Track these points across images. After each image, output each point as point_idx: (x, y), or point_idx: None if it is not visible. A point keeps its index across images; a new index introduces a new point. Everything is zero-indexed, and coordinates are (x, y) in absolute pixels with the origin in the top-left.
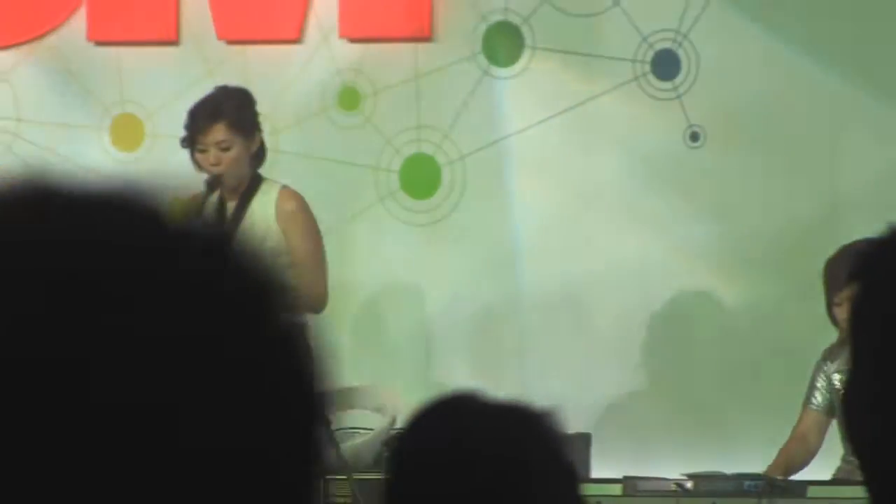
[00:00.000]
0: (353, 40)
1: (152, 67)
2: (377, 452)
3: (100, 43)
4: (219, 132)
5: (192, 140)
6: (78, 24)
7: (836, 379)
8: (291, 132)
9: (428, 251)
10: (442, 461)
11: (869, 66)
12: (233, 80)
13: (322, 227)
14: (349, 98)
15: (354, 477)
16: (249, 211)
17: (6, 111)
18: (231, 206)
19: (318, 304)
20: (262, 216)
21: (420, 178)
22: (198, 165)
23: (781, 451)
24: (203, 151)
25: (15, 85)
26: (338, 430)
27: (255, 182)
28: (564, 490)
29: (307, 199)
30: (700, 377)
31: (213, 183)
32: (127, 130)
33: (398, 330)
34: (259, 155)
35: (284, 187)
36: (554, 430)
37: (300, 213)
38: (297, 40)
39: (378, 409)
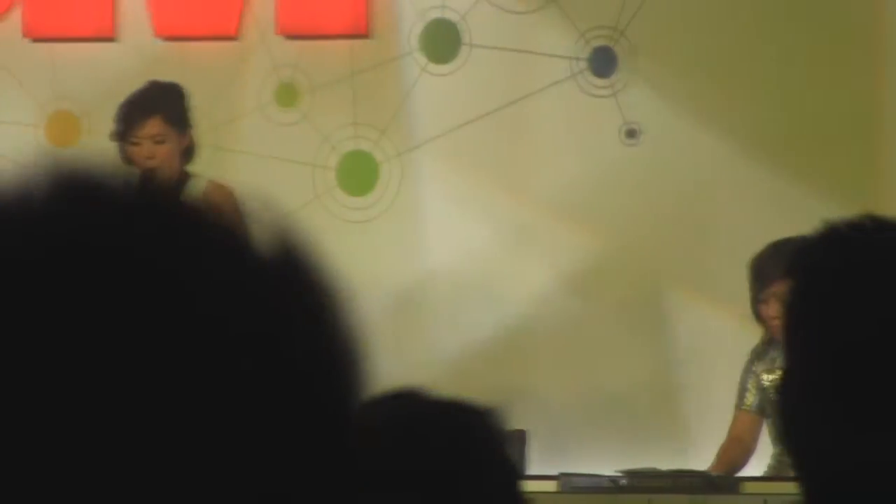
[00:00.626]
0: (291, 37)
1: (88, 64)
2: None
3: (36, 39)
4: (154, 126)
5: (124, 134)
6: (14, 19)
7: (765, 379)
8: (229, 129)
9: (365, 249)
10: (379, 449)
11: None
12: (170, 77)
13: None
14: (286, 95)
15: None
16: None
17: None
18: None
19: None
20: None
21: (357, 175)
22: (128, 160)
23: (720, 454)
24: (136, 144)
25: None
26: None
27: (183, 178)
28: (504, 488)
29: (245, 196)
30: (635, 372)
31: (146, 177)
32: (62, 127)
33: None
34: (189, 151)
35: (213, 181)
36: (494, 427)
37: (229, 205)
38: (234, 37)
39: None
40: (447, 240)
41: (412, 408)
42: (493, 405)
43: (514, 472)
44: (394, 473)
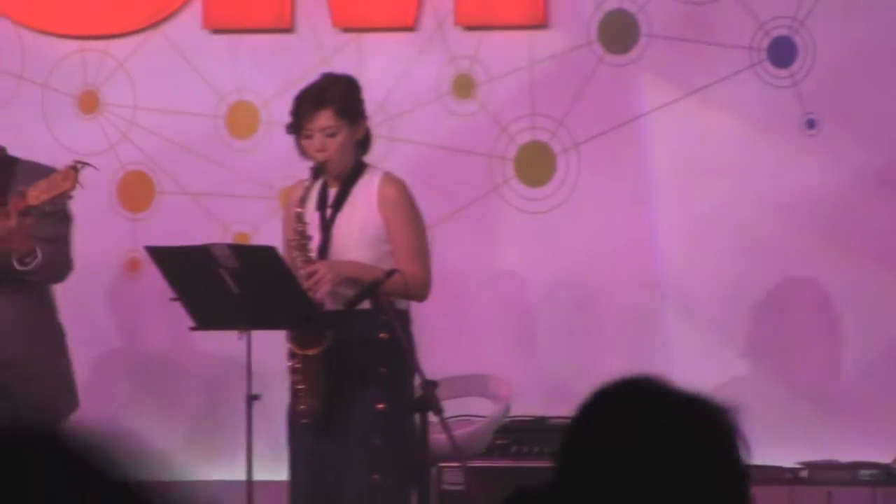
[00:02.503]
0: (469, 28)
1: (267, 55)
2: (489, 440)
3: (216, 31)
4: (325, 118)
5: (298, 126)
6: (194, 11)
7: None
8: (405, 120)
9: (542, 239)
10: (618, 444)
11: None
12: (347, 68)
13: (436, 215)
14: (464, 86)
15: (467, 464)
16: (351, 198)
17: (123, 99)
18: (333, 192)
19: (421, 292)
20: (365, 203)
21: (535, 165)
22: (303, 152)
23: None
24: (308, 137)
25: (131, 73)
26: (450, 417)
27: (357, 169)
28: (736, 487)
29: (422, 187)
30: (817, 362)
31: (320, 170)
32: (242, 118)
33: (513, 318)
34: (364, 143)
35: (386, 174)
36: (731, 426)
37: (402, 199)
38: (412, 28)
39: (490, 397)
40: (624, 231)
41: (642, 404)
42: (730, 405)
43: (745, 476)
44: (624, 462)
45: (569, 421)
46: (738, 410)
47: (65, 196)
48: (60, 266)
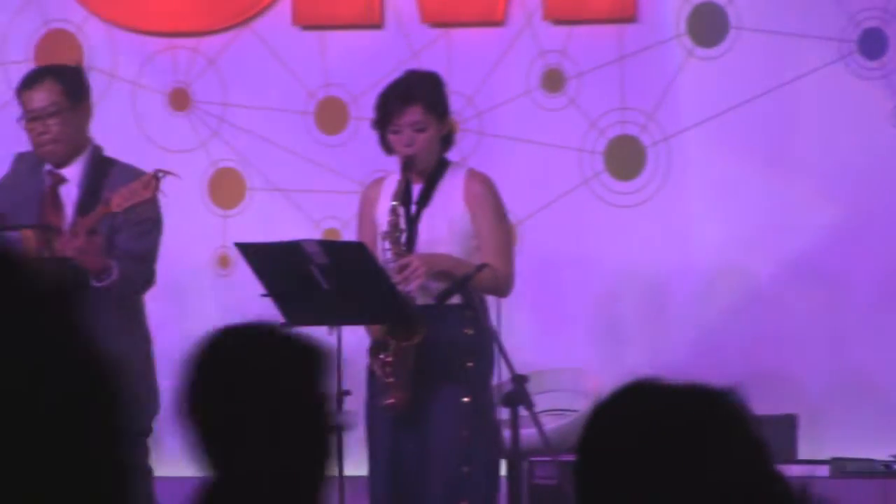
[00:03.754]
0: (558, 22)
1: (356, 51)
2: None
3: (305, 27)
4: (414, 113)
5: (384, 121)
6: (283, 8)
7: None
8: (495, 115)
9: (632, 233)
10: (627, 442)
11: None
12: (436, 63)
13: (526, 209)
14: (553, 80)
15: (558, 459)
16: (437, 193)
17: (213, 95)
18: (417, 188)
19: (506, 287)
20: (450, 199)
21: (624, 159)
22: (388, 147)
23: None
24: (396, 132)
25: (221, 69)
26: (541, 412)
27: (442, 165)
28: (751, 466)
29: (511, 181)
30: None
31: (408, 165)
32: (332, 114)
33: (602, 313)
34: (448, 138)
35: (471, 169)
36: (736, 406)
37: (488, 195)
38: (500, 22)
39: (581, 391)
40: (714, 224)
41: (653, 395)
42: (732, 386)
43: (761, 450)
44: (639, 457)
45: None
46: (739, 392)
47: (146, 204)
48: (138, 282)
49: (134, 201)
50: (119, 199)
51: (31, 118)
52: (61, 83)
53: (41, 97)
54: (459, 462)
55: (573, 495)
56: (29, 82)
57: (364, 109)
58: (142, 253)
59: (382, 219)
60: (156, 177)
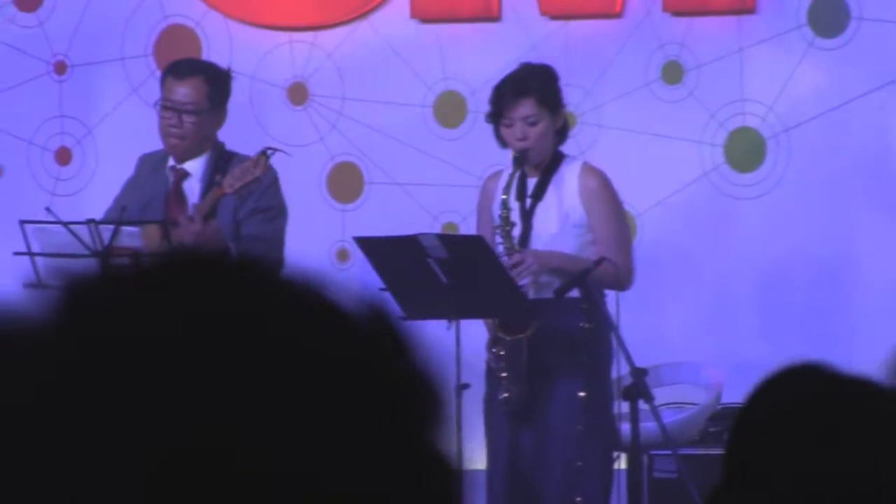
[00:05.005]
0: (677, 14)
1: (475, 44)
2: (701, 428)
3: (423, 21)
4: (527, 107)
5: (498, 115)
6: (401, 1)
7: None
8: (613, 107)
9: (753, 225)
10: (794, 430)
11: None
12: (554, 56)
13: (644, 202)
14: (672, 72)
15: (679, 452)
16: (551, 187)
17: (331, 89)
18: (532, 182)
19: (625, 280)
20: (565, 193)
21: (745, 151)
22: (502, 141)
23: None
24: (509, 126)
25: (339, 63)
26: (661, 405)
27: (556, 159)
28: None
29: (630, 174)
30: None
31: (521, 158)
32: (450, 108)
33: (723, 306)
34: (562, 132)
35: (586, 163)
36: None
37: (604, 189)
38: (618, 15)
39: (701, 385)
40: (831, 216)
41: (816, 383)
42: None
43: None
44: (803, 451)
45: (737, 413)
46: None
47: (256, 182)
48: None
49: (245, 180)
50: (231, 180)
51: (167, 106)
52: (209, 84)
53: (185, 92)
54: (574, 457)
55: (695, 488)
56: (179, 72)
57: (482, 103)
58: (268, 236)
59: (497, 212)
60: (265, 154)
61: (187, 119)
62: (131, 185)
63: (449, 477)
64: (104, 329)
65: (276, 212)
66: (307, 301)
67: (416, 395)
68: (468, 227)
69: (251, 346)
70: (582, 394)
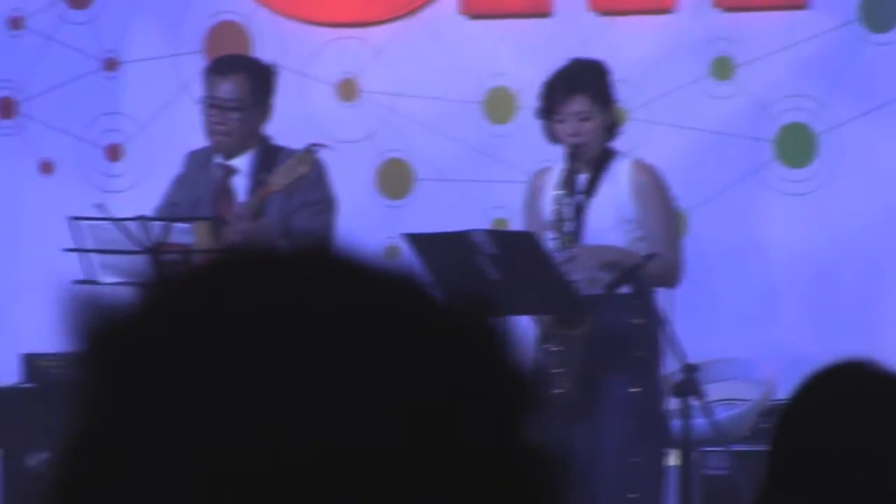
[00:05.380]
0: (727, 9)
1: (524, 40)
2: (753, 424)
3: (473, 16)
4: (580, 103)
5: (549, 110)
6: None
7: None
8: (663, 103)
9: (805, 221)
10: (843, 423)
11: None
12: (605, 52)
13: (695, 198)
14: (722, 68)
15: (730, 449)
16: (602, 183)
17: (382, 85)
18: (583, 178)
19: (675, 277)
20: (616, 189)
21: (795, 147)
22: (552, 136)
23: None
24: (561, 122)
25: (390, 59)
26: (712, 401)
27: (606, 155)
28: None
29: (681, 170)
30: None
31: (573, 154)
32: (500, 103)
33: (775, 302)
34: (613, 128)
35: (637, 160)
36: None
37: (655, 186)
38: (669, 10)
39: (753, 381)
40: (883, 212)
41: (862, 381)
42: None
43: None
44: (849, 449)
45: (781, 410)
46: None
47: (303, 180)
48: None
49: (292, 177)
50: (277, 178)
51: (211, 104)
52: (252, 80)
53: (229, 89)
54: (627, 453)
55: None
56: (222, 69)
57: (532, 98)
58: (317, 230)
59: (547, 208)
60: (310, 151)
61: (231, 115)
62: (180, 183)
63: (550, 469)
64: (210, 318)
65: (324, 205)
66: (406, 294)
67: (513, 388)
68: (518, 223)
69: (356, 340)
70: (634, 390)
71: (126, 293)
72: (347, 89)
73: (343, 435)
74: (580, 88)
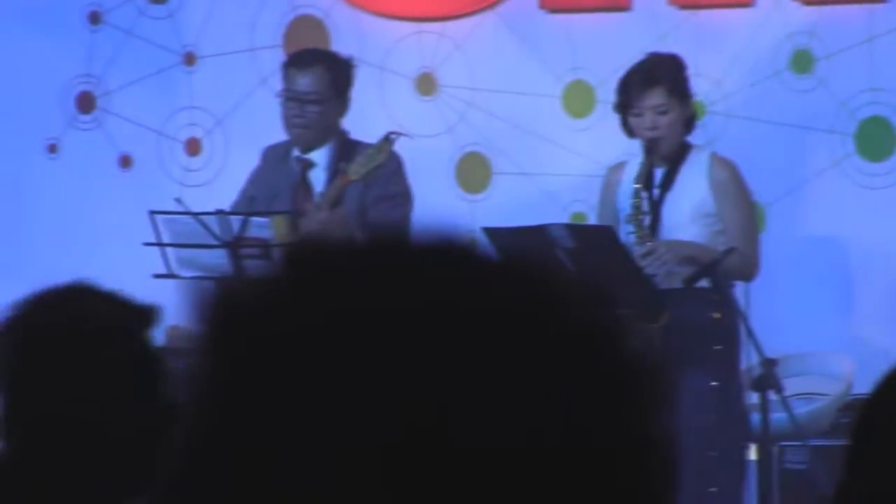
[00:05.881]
0: (807, 3)
1: (604, 34)
2: (832, 418)
3: (552, 10)
4: (657, 96)
5: (626, 104)
6: None
7: None
8: (742, 97)
9: (884, 215)
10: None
11: None
12: (683, 46)
13: (774, 192)
14: (802, 61)
15: (809, 443)
16: (680, 177)
17: (460, 79)
18: (660, 172)
19: (752, 271)
20: (694, 183)
21: (876, 141)
22: (629, 130)
23: None
24: (638, 116)
25: (468, 53)
26: (792, 396)
27: (684, 149)
28: None
29: (760, 164)
30: None
31: (651, 148)
32: (578, 98)
33: (854, 296)
34: (689, 122)
35: (715, 154)
36: None
37: (733, 180)
38: (748, 4)
39: (832, 375)
40: None
41: None
42: None
43: None
44: None
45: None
46: None
47: (381, 169)
48: None
49: (369, 166)
50: (355, 167)
51: (290, 97)
52: (330, 73)
53: (307, 82)
54: (707, 447)
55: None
56: (300, 63)
57: (611, 93)
58: (395, 222)
59: (624, 202)
60: (388, 139)
61: (310, 109)
62: (258, 177)
63: (671, 459)
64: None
65: (402, 198)
66: (535, 285)
67: (638, 378)
68: (596, 217)
69: (488, 329)
70: (714, 384)
71: (254, 283)
72: (426, 83)
73: (498, 433)
74: (657, 82)
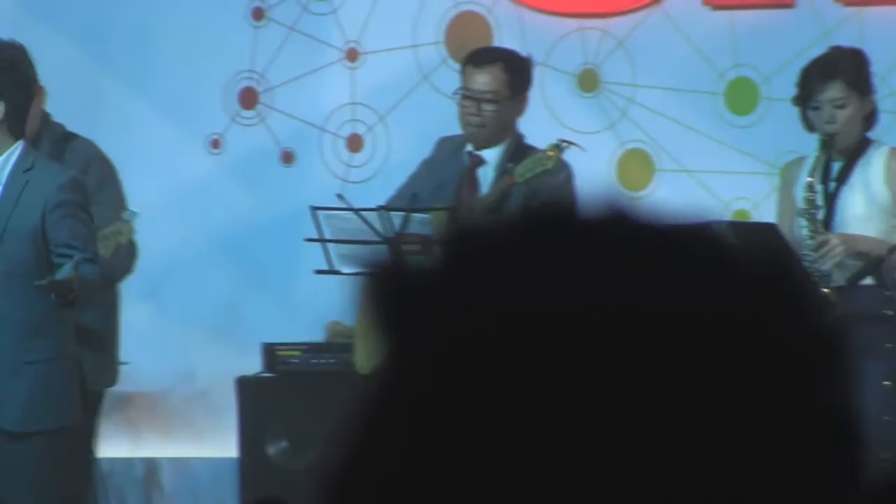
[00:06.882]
0: None
1: (767, 31)
2: None
3: (715, 7)
4: (835, 90)
5: (805, 97)
6: None
7: None
8: None
9: None
10: None
11: None
12: (849, 43)
13: None
14: None
15: None
16: (857, 172)
17: (622, 76)
18: (837, 166)
19: None
20: (870, 176)
21: None
22: (808, 125)
23: None
24: (816, 109)
25: (631, 50)
26: None
27: (863, 144)
28: None
29: None
30: None
31: (827, 142)
32: (741, 95)
33: None
34: (870, 117)
35: (894, 149)
36: None
37: None
38: None
39: None
40: None
41: None
42: None
43: None
44: None
45: None
46: None
47: (548, 175)
48: None
49: (536, 171)
50: (521, 170)
51: (466, 95)
52: (508, 73)
53: (484, 81)
54: (880, 448)
55: None
56: (478, 61)
57: (775, 89)
58: None
59: (799, 196)
60: (558, 146)
61: (486, 108)
62: (427, 166)
63: (857, 437)
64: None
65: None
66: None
67: (825, 357)
68: (759, 215)
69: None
70: (887, 382)
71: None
72: (588, 80)
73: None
74: (836, 74)
